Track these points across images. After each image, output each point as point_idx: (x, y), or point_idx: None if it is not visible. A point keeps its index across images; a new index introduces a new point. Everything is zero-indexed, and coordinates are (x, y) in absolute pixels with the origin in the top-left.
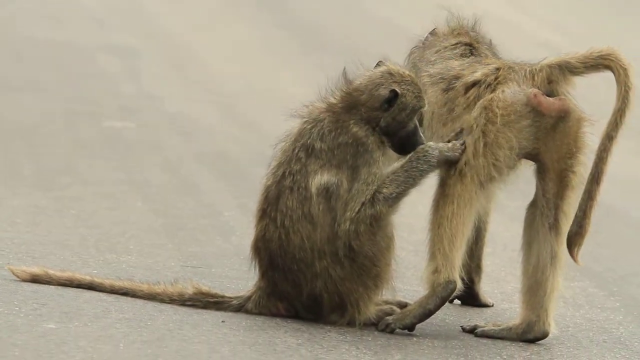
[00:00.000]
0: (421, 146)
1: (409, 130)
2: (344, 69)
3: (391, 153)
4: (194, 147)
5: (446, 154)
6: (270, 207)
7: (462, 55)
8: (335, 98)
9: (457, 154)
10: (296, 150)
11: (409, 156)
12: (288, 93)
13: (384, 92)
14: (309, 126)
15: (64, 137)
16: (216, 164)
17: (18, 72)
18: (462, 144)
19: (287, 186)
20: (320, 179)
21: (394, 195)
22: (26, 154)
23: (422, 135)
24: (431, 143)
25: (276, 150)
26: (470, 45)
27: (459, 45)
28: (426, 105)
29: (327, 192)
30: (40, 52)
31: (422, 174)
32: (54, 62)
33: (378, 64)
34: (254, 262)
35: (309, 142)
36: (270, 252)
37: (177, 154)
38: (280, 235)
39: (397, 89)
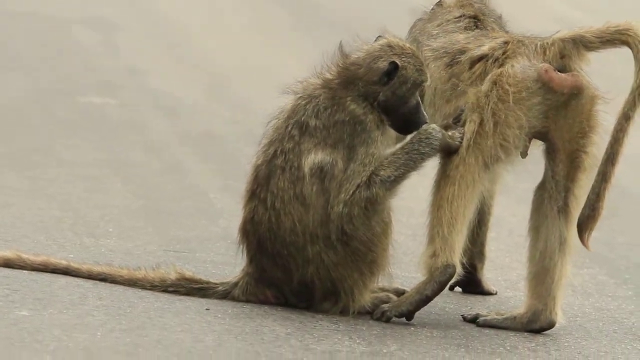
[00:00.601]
0: (424, 127)
1: (410, 107)
2: (340, 42)
3: (391, 133)
4: (179, 126)
5: (448, 140)
6: (260, 188)
7: (466, 29)
8: (331, 73)
9: (457, 142)
10: (289, 128)
11: (410, 137)
12: (280, 70)
13: (382, 64)
14: (303, 102)
15: (39, 115)
16: (202, 144)
17: None
18: (461, 133)
19: (278, 165)
20: (314, 158)
21: (392, 178)
22: None
23: (425, 113)
24: (434, 125)
25: (268, 128)
26: (476, 17)
27: (462, 17)
28: (429, 80)
29: (321, 172)
30: (12, 26)
31: (424, 157)
32: (27, 36)
33: (377, 39)
34: (241, 247)
35: (303, 119)
36: (259, 236)
37: (160, 133)
38: (270, 218)
39: (397, 61)
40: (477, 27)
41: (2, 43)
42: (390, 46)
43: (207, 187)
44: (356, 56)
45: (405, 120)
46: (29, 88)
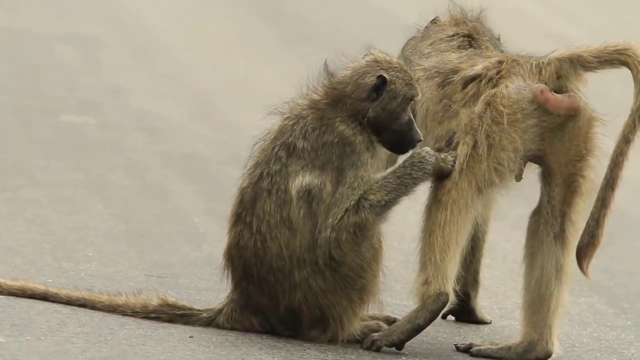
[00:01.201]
0: (417, 151)
1: (402, 123)
2: (325, 61)
3: (381, 155)
4: (161, 147)
5: (440, 164)
6: (246, 212)
7: (459, 48)
8: (318, 94)
9: (449, 166)
10: (276, 149)
11: (402, 161)
12: (266, 89)
13: (370, 79)
14: (290, 123)
15: (17, 134)
16: (185, 165)
17: None
18: (454, 157)
19: (264, 188)
20: (301, 180)
21: (382, 202)
22: None
23: (418, 130)
24: (428, 148)
25: (254, 150)
26: (470, 36)
27: (456, 36)
28: (419, 95)
29: (308, 196)
30: None
31: (416, 181)
32: (6, 52)
33: (365, 57)
34: (226, 272)
35: (290, 140)
36: (244, 261)
37: (142, 154)
38: (255, 243)
39: (385, 75)
40: (471, 46)
41: None
42: (377, 61)
43: (191, 211)
44: (342, 74)
45: (398, 137)
46: (7, 106)
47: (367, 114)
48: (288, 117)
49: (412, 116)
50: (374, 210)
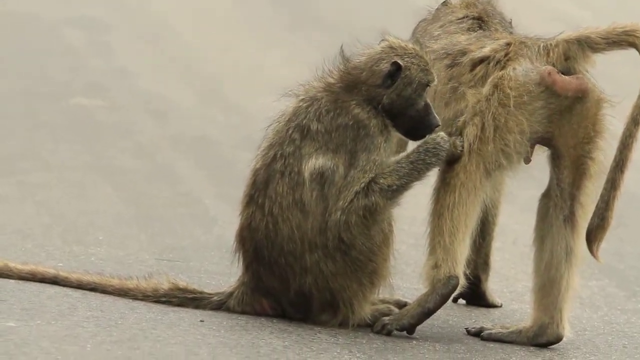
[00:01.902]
0: (431, 136)
1: (418, 109)
2: (341, 46)
3: (394, 139)
4: (171, 131)
5: (452, 149)
6: (258, 193)
7: (469, 30)
8: (333, 77)
9: (459, 151)
10: (290, 131)
11: (417, 146)
12: (275, 73)
13: (385, 66)
14: (305, 105)
15: (26, 118)
16: (195, 149)
17: None
18: (462, 142)
19: (277, 170)
20: (314, 162)
21: (393, 187)
22: None
23: (436, 115)
24: (442, 133)
25: (268, 131)
26: (479, 18)
27: (465, 18)
28: (435, 80)
29: (321, 178)
30: None
31: (429, 167)
32: (14, 37)
33: (380, 42)
34: (237, 254)
35: (304, 122)
36: (256, 243)
37: (152, 137)
38: (267, 224)
39: (399, 62)
40: (480, 28)
41: None
42: (392, 47)
43: (201, 194)
44: (358, 60)
45: (414, 123)
46: (15, 90)
47: (382, 101)
48: (303, 99)
49: (428, 101)
50: (384, 194)
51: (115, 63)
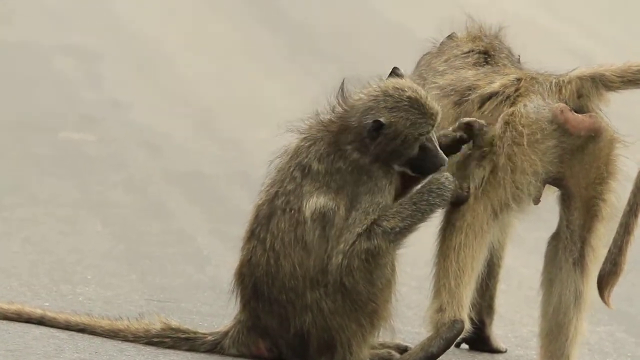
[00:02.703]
0: (435, 176)
1: (411, 157)
2: (343, 81)
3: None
4: (163, 165)
5: (458, 190)
6: (260, 228)
7: (475, 65)
8: (332, 115)
9: (465, 193)
10: (292, 169)
11: (419, 186)
12: (273, 105)
13: (368, 119)
14: (306, 144)
15: (13, 151)
16: (188, 184)
17: None
18: (468, 184)
19: (279, 207)
20: (316, 201)
21: (397, 229)
22: None
23: (439, 155)
24: (447, 174)
25: (271, 168)
26: (486, 53)
27: (471, 53)
28: (432, 129)
29: (323, 218)
30: None
31: (433, 208)
32: (2, 65)
33: (392, 72)
34: (235, 291)
35: (305, 161)
36: (255, 279)
37: (144, 171)
38: (269, 260)
39: (382, 119)
40: (487, 63)
41: None
42: (386, 95)
43: (194, 231)
44: (353, 102)
45: (416, 165)
46: (3, 121)
47: (370, 150)
48: (305, 137)
49: (428, 144)
50: (387, 237)
51: (107, 94)
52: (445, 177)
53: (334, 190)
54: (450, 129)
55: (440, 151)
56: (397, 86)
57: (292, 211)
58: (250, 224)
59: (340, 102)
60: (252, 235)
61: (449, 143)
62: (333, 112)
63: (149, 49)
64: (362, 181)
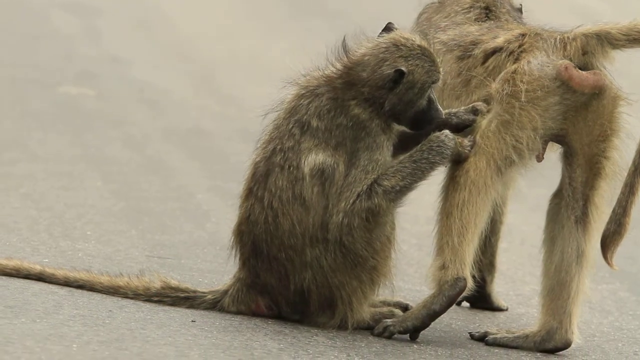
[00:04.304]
0: (436, 134)
1: (420, 108)
2: (344, 38)
3: (396, 139)
4: (163, 121)
5: (459, 148)
6: (258, 186)
7: (476, 20)
8: (334, 71)
9: (466, 151)
10: (290, 126)
11: (420, 144)
12: (273, 63)
13: (387, 70)
14: (305, 101)
15: (12, 107)
16: (188, 141)
17: None
18: (471, 142)
19: (277, 163)
20: (314, 158)
21: (397, 188)
22: None
23: (439, 108)
24: (447, 131)
25: (268, 124)
26: (487, 8)
27: (472, 8)
28: (440, 79)
29: (322, 175)
30: None
31: (433, 166)
32: (1, 21)
33: (386, 28)
34: (234, 249)
35: (305, 118)
36: (254, 237)
37: (143, 128)
38: (267, 218)
39: (403, 67)
40: (488, 18)
41: None
42: (396, 46)
43: (194, 188)
44: (361, 53)
45: (416, 119)
46: (2, 77)
47: (384, 103)
48: (304, 94)
49: (432, 96)
50: (387, 196)
51: (106, 50)
52: (445, 134)
53: (332, 146)
54: (462, 109)
55: (437, 106)
56: (406, 36)
57: (291, 168)
58: (248, 181)
59: (344, 57)
60: (250, 193)
61: (458, 124)
62: (335, 67)
63: (149, 5)
64: (360, 137)
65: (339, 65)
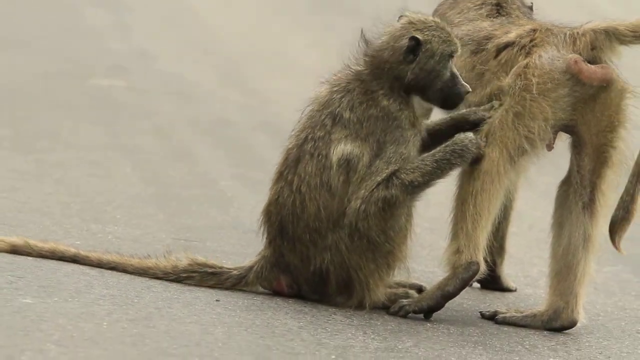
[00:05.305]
0: (460, 137)
1: (444, 80)
2: (362, 30)
3: (425, 133)
4: (189, 112)
5: (480, 152)
6: (288, 170)
7: (488, 16)
8: (360, 65)
9: (481, 152)
10: (322, 117)
11: (444, 144)
12: (296, 56)
13: (404, 42)
14: (338, 96)
15: (46, 97)
16: (213, 131)
17: None
18: (484, 142)
19: (307, 151)
20: (343, 148)
21: (415, 183)
22: (4, 116)
23: (464, 82)
24: (471, 134)
25: (302, 116)
26: (498, 4)
27: (485, 5)
28: (459, 50)
29: (347, 165)
30: (20, 5)
31: (452, 167)
32: (36, 16)
33: (399, 19)
34: (262, 228)
35: (337, 111)
36: (281, 218)
37: (171, 118)
38: (294, 201)
39: (418, 36)
40: (499, 14)
41: (9, 23)
42: (411, 23)
43: (218, 175)
44: (380, 41)
45: (444, 94)
46: (36, 69)
47: (407, 77)
48: (337, 89)
49: (455, 71)
50: (405, 189)
51: (136, 44)
52: (470, 139)
53: (362, 137)
54: (482, 108)
55: (462, 80)
56: (418, 16)
57: (320, 156)
58: (280, 165)
59: (365, 48)
60: (281, 176)
61: (476, 120)
62: (359, 62)
63: (177, 2)
64: (390, 129)
65: (363, 58)
